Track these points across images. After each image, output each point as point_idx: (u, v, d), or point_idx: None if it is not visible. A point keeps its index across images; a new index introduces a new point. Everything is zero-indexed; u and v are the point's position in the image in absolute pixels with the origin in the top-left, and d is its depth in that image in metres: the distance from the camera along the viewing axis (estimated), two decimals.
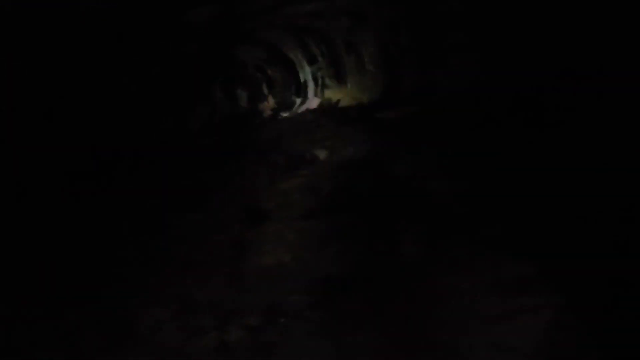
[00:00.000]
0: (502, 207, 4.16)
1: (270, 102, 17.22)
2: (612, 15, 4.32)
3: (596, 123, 4.21)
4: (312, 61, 11.87)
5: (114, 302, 3.83)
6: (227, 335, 3.29)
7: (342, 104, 10.62)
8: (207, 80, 15.40)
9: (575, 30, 4.78)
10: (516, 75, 5.48)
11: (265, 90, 18.11)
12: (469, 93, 6.35)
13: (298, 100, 13.67)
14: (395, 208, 4.74)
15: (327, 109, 10.76)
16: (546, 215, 3.83)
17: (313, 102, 12.40)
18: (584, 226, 3.61)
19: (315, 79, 12.20)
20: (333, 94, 11.29)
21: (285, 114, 13.60)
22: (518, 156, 4.71)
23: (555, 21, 5.01)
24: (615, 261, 3.17)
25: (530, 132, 4.88)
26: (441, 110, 6.72)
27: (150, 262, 4.55)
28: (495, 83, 5.84)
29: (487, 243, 3.77)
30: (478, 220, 4.09)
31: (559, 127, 4.60)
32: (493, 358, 2.76)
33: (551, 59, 5.11)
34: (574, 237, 3.54)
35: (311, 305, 3.53)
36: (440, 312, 3.21)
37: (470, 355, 2.81)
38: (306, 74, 12.75)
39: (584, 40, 4.67)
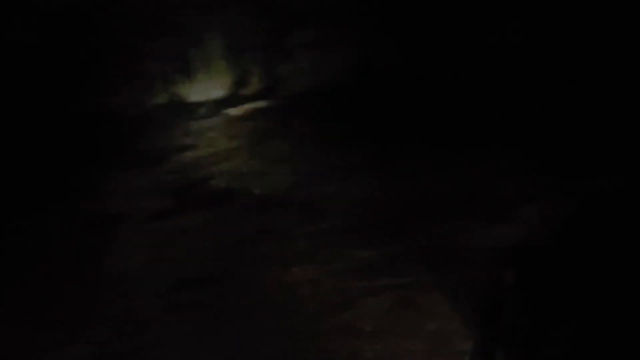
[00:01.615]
0: (339, 199, 4.42)
1: (119, 98, 16.34)
2: None
3: None
4: (159, 55, 11.47)
5: None
6: (73, 352, 3.11)
7: (192, 99, 10.45)
8: (54, 74, 14.18)
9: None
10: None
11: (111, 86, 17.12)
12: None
13: (146, 96, 13.12)
14: (246, 203, 4.80)
15: (176, 105, 10.52)
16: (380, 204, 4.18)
17: (161, 98, 11.99)
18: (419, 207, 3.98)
19: (163, 74, 11.81)
20: (182, 89, 11.05)
21: (133, 110, 12.98)
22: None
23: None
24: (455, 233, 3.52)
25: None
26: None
27: None
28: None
29: (326, 235, 3.98)
30: (316, 214, 4.31)
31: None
32: (341, 342, 2.95)
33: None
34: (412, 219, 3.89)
35: (165, 309, 3.45)
36: (292, 302, 3.34)
37: (322, 341, 2.97)
38: (153, 67, 12.27)
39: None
